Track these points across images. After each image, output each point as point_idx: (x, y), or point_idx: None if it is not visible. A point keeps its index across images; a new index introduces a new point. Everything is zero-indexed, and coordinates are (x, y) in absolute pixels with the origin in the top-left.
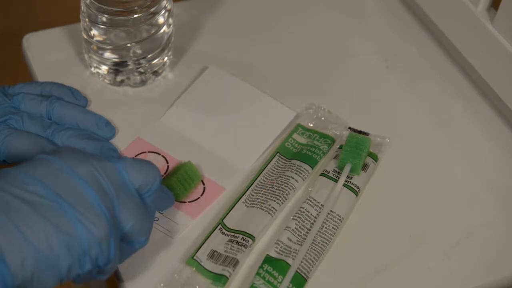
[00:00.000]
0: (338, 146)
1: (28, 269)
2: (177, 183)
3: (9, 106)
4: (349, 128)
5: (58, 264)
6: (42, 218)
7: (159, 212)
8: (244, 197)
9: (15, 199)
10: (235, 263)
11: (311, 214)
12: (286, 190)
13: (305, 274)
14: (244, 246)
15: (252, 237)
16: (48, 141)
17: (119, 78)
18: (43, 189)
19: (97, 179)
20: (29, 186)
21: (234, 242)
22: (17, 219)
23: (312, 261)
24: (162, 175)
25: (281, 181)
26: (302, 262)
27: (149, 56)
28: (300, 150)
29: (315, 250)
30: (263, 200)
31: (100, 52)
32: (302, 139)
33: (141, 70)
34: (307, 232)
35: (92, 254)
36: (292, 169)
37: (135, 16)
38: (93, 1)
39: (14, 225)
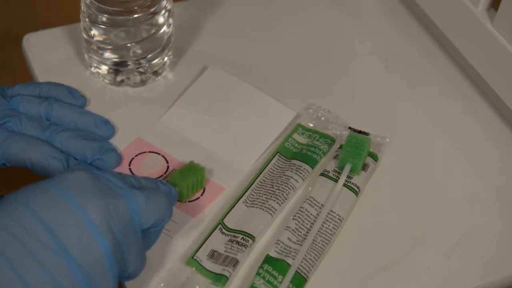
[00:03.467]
0: (338, 146)
1: None
2: (186, 187)
3: (8, 109)
4: (349, 128)
5: None
6: (49, 276)
7: None
8: (244, 197)
9: (22, 248)
10: (235, 263)
11: (311, 214)
12: (286, 190)
13: (305, 274)
14: (244, 246)
15: (252, 237)
16: (47, 144)
17: (119, 78)
18: (54, 242)
19: (109, 225)
20: (40, 235)
21: (234, 242)
22: (23, 272)
23: (312, 261)
24: (166, 174)
25: (281, 181)
26: (302, 262)
27: (149, 56)
28: (300, 150)
29: (315, 250)
30: (263, 200)
31: (100, 52)
32: (302, 139)
33: (141, 70)
34: (307, 232)
35: None
36: (292, 169)
37: (135, 16)
38: (93, 1)
39: (20, 279)
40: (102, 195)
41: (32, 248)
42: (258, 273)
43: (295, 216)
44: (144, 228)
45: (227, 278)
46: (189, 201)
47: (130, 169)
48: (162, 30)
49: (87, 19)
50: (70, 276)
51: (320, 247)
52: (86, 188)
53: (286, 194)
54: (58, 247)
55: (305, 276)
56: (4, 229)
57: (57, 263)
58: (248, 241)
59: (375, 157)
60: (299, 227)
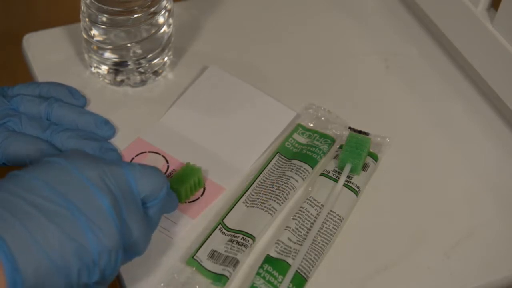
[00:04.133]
0: (338, 146)
1: (40, 277)
2: (185, 190)
3: (8, 109)
4: (349, 128)
5: (69, 273)
6: (56, 226)
7: None
8: (244, 197)
9: (29, 206)
10: (235, 263)
11: (311, 214)
12: (286, 190)
13: (305, 274)
14: (244, 246)
15: (252, 237)
16: (47, 143)
17: (119, 78)
18: (56, 196)
19: (108, 186)
20: (42, 192)
21: (234, 242)
22: (31, 226)
23: (312, 261)
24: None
25: (281, 181)
26: (302, 262)
27: (149, 56)
28: (300, 150)
29: (315, 250)
30: (263, 200)
31: (100, 52)
32: (302, 139)
33: (141, 70)
34: (307, 232)
35: (102, 264)
36: (292, 169)
37: (135, 16)
38: (93, 1)
39: (28, 232)
40: (97, 162)
41: (38, 204)
42: (258, 273)
43: (295, 216)
44: (142, 195)
45: (227, 278)
46: (189, 202)
47: None
48: (162, 30)
49: (87, 19)
50: (75, 224)
51: (320, 247)
52: (83, 159)
53: (286, 194)
54: (62, 201)
55: (305, 276)
56: (11, 194)
57: (63, 214)
58: (248, 241)
59: (375, 157)
60: (299, 227)
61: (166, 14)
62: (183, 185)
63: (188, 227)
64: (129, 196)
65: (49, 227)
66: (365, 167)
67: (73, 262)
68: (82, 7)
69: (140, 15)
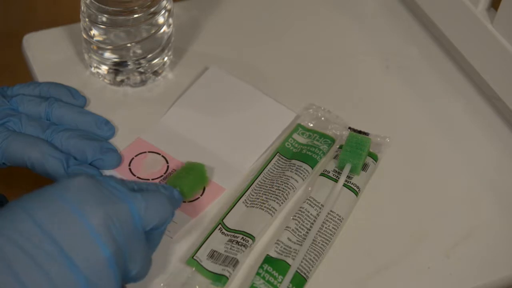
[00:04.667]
0: (338, 146)
1: None
2: (188, 186)
3: (8, 108)
4: (349, 128)
5: None
6: (52, 284)
7: None
8: (244, 197)
9: (25, 257)
10: (235, 263)
11: (311, 214)
12: (286, 190)
13: (305, 274)
14: (244, 246)
15: (252, 237)
16: (47, 143)
17: (119, 78)
18: (55, 247)
19: (111, 233)
20: (40, 240)
21: (234, 242)
22: (27, 280)
23: (312, 261)
24: (166, 174)
25: (281, 181)
26: (302, 262)
27: (149, 56)
28: (300, 150)
29: (315, 250)
30: (263, 200)
31: (100, 52)
32: (302, 139)
33: (141, 70)
34: (307, 232)
35: None
36: (292, 169)
37: (135, 16)
38: (93, 1)
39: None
40: (103, 201)
41: (35, 257)
42: (258, 273)
43: (295, 216)
44: (147, 229)
45: (227, 278)
46: (189, 201)
47: (130, 169)
48: (162, 30)
49: (87, 19)
50: (73, 284)
51: (320, 247)
52: (87, 195)
53: (286, 194)
54: (61, 255)
55: (305, 276)
56: (6, 238)
57: (60, 271)
58: (248, 241)
59: (375, 157)
60: (299, 227)
61: (166, 14)
62: (182, 179)
63: (188, 227)
64: (133, 237)
65: (46, 285)
66: (365, 167)
67: None
68: (82, 7)
69: (140, 15)
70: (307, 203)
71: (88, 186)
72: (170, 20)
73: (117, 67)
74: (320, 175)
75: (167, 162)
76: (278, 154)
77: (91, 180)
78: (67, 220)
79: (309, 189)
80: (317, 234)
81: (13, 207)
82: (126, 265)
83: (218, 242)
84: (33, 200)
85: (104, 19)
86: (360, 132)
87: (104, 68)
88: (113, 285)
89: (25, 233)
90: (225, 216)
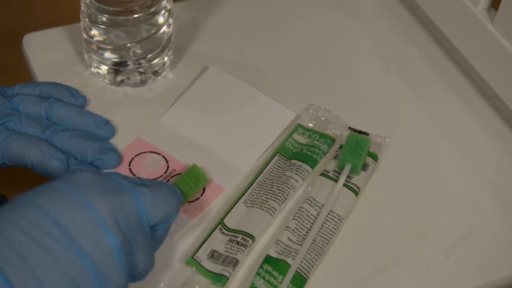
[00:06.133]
0: (338, 146)
1: None
2: (188, 189)
3: (8, 108)
4: (349, 128)
5: None
6: (60, 269)
7: None
8: (244, 197)
9: (34, 244)
10: (235, 263)
11: (311, 214)
12: (286, 190)
13: (305, 274)
14: (244, 246)
15: (252, 237)
16: (47, 143)
17: (119, 78)
18: (63, 234)
19: (118, 223)
20: (48, 228)
21: (234, 242)
22: (34, 265)
23: (312, 261)
24: (166, 174)
25: (281, 181)
26: (302, 262)
27: (149, 56)
28: (300, 150)
29: (315, 250)
30: (263, 200)
31: (100, 52)
32: (302, 139)
33: (141, 70)
34: (307, 232)
35: None
36: (292, 169)
37: (135, 16)
38: (93, 1)
39: (31, 271)
40: (108, 192)
41: (43, 243)
42: (258, 273)
43: (295, 216)
44: (152, 224)
45: (227, 278)
46: (189, 201)
47: (130, 169)
48: (162, 30)
49: (87, 19)
50: (81, 269)
51: (320, 247)
52: (93, 186)
53: (286, 194)
54: (69, 242)
55: (305, 276)
56: (15, 226)
57: (68, 256)
58: (248, 241)
59: (375, 157)
60: (299, 227)
61: (166, 14)
62: (187, 186)
63: (188, 227)
64: (139, 230)
65: (54, 269)
66: (365, 167)
67: None
68: (82, 7)
69: (140, 15)
70: (307, 203)
71: (94, 179)
72: (170, 20)
73: (117, 67)
74: (320, 175)
75: (167, 162)
76: (278, 154)
77: (96, 174)
78: (76, 210)
79: (309, 189)
80: (317, 234)
81: (20, 198)
82: (133, 258)
83: (218, 242)
84: (41, 192)
85: (104, 19)
86: (360, 132)
87: (104, 68)
88: (121, 275)
89: (32, 220)
90: (225, 216)
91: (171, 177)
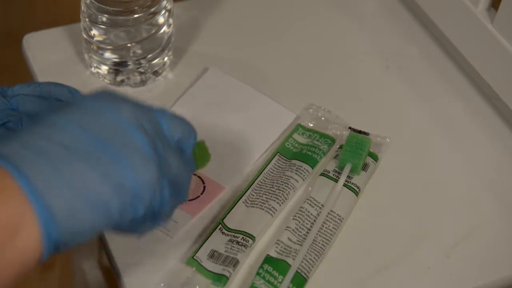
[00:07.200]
0: (338, 146)
1: (79, 220)
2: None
3: (8, 109)
4: (349, 128)
5: (109, 212)
6: (89, 166)
7: None
8: (244, 197)
9: (59, 147)
10: (235, 263)
11: (311, 214)
12: (286, 190)
13: (305, 274)
14: (244, 246)
15: (252, 237)
16: None
17: (119, 78)
18: (86, 135)
19: (142, 124)
20: (72, 131)
21: (234, 242)
22: (63, 169)
23: (312, 261)
24: None
25: (281, 181)
26: (302, 262)
27: (149, 56)
28: (300, 150)
29: (315, 250)
30: (263, 200)
31: (100, 52)
32: (302, 139)
33: (141, 70)
34: (307, 232)
35: (144, 198)
36: (292, 169)
37: (135, 16)
38: (93, 1)
39: (60, 176)
40: (129, 101)
41: (63, 142)
42: (258, 273)
43: (295, 216)
44: (174, 140)
45: (227, 278)
46: (189, 200)
47: None
48: (162, 30)
49: (87, 19)
50: (107, 159)
51: (320, 247)
52: (112, 96)
53: (286, 194)
54: (91, 138)
55: (305, 276)
56: (37, 134)
57: (92, 150)
58: (248, 241)
59: (375, 157)
60: (299, 227)
61: (166, 14)
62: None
63: (188, 227)
64: (163, 136)
65: (82, 168)
66: (365, 167)
67: (112, 201)
68: (82, 7)
69: (140, 15)
70: (307, 203)
71: (112, 93)
72: (170, 20)
73: (117, 67)
74: (320, 175)
75: None
76: (278, 154)
77: (114, 91)
78: (100, 115)
79: (309, 189)
80: (317, 234)
81: (46, 117)
82: (162, 157)
83: (219, 242)
84: (59, 108)
85: (104, 19)
86: (360, 132)
87: (104, 68)
88: (153, 166)
89: (55, 127)
90: (225, 216)
91: None
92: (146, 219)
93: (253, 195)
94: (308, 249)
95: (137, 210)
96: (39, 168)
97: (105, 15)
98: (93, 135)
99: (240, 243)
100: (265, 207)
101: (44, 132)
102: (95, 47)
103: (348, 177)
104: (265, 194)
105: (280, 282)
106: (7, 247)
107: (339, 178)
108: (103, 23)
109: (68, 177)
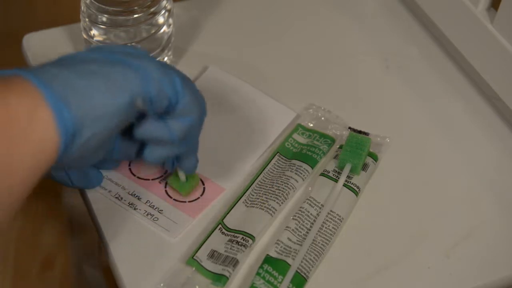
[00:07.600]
0: (338, 146)
1: (92, 107)
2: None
3: None
4: (349, 128)
5: (123, 98)
6: (103, 58)
7: (159, 212)
8: (244, 197)
9: (76, 61)
10: (235, 263)
11: (311, 214)
12: (286, 190)
13: (305, 274)
14: (244, 246)
15: (252, 237)
16: None
17: None
18: (102, 53)
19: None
20: (86, 54)
21: (234, 242)
22: (76, 66)
23: (312, 261)
24: (166, 175)
25: (281, 181)
26: (302, 262)
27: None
28: (300, 150)
29: (315, 250)
30: (263, 200)
31: None
32: (302, 139)
33: None
34: (307, 232)
35: (163, 90)
36: (292, 169)
37: (135, 16)
38: (93, 1)
39: (73, 71)
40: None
41: (78, 57)
42: (258, 273)
43: (295, 216)
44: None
45: (227, 278)
46: (189, 201)
47: (130, 169)
48: (162, 30)
49: (87, 19)
50: (121, 63)
51: (320, 247)
52: (119, 47)
53: (286, 194)
54: (106, 53)
55: (305, 276)
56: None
57: (107, 59)
58: (248, 241)
59: (375, 157)
60: (299, 227)
61: (166, 14)
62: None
63: (188, 227)
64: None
65: (96, 65)
66: (365, 167)
67: (131, 89)
68: (82, 7)
69: (140, 15)
70: (307, 203)
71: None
72: (170, 20)
73: None
74: (320, 175)
75: None
76: (278, 154)
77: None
78: (101, 49)
79: (309, 189)
80: (317, 234)
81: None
82: (170, 71)
83: (218, 242)
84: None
85: (104, 19)
86: (360, 132)
87: None
88: (165, 67)
89: (73, 56)
90: (225, 216)
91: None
92: (171, 117)
93: (253, 195)
94: (308, 249)
95: (157, 102)
96: (50, 71)
97: (105, 15)
98: (108, 51)
99: (240, 243)
100: (265, 207)
101: (66, 60)
102: None
103: (348, 177)
104: (265, 194)
105: (280, 282)
106: (23, 139)
107: (339, 178)
108: (103, 23)
109: (80, 71)
